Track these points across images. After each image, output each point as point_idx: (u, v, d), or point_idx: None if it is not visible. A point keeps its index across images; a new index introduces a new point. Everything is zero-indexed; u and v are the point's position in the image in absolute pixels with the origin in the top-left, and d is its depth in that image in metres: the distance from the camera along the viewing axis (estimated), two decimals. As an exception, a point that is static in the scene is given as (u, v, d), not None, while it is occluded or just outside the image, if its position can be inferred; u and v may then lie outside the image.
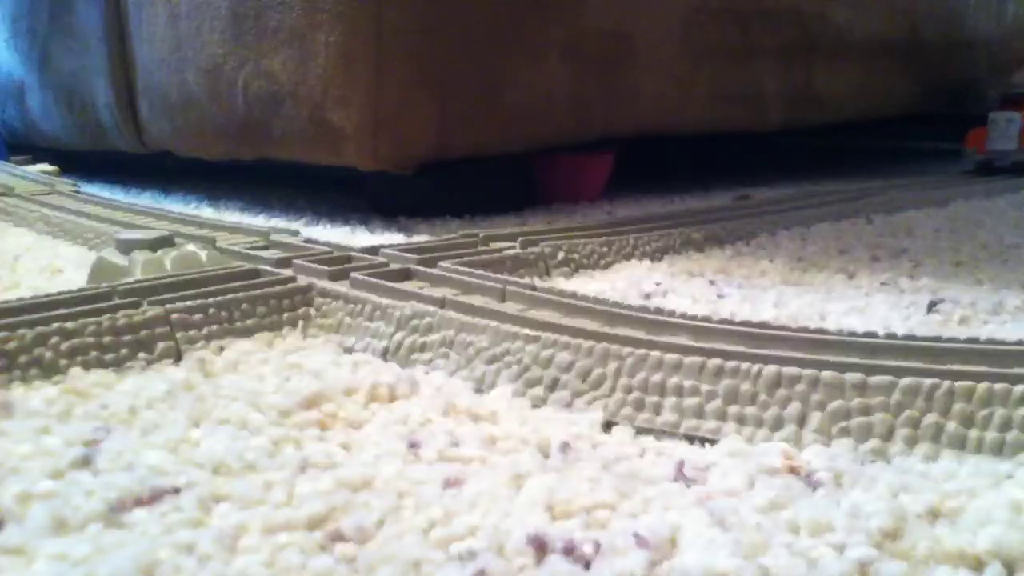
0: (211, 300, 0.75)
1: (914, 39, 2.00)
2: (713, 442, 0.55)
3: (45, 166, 1.81)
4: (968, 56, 2.11)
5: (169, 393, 0.62)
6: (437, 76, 1.32)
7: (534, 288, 0.75)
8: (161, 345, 0.71)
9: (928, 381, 0.52)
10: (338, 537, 0.43)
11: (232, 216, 1.48)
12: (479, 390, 0.65)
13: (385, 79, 1.27)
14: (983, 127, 1.83)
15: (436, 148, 1.35)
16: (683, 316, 0.65)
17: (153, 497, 0.47)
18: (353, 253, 0.94)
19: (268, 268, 0.87)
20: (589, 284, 0.93)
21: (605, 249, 1.04)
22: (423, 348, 0.70)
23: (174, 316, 0.72)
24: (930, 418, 0.51)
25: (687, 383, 0.57)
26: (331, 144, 1.32)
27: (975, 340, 0.56)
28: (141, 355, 0.70)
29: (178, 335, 0.72)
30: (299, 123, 1.34)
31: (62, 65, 1.91)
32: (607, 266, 1.02)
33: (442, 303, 0.73)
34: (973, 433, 0.50)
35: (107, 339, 0.69)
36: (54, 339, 0.67)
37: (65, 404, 0.60)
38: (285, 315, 0.78)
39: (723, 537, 0.41)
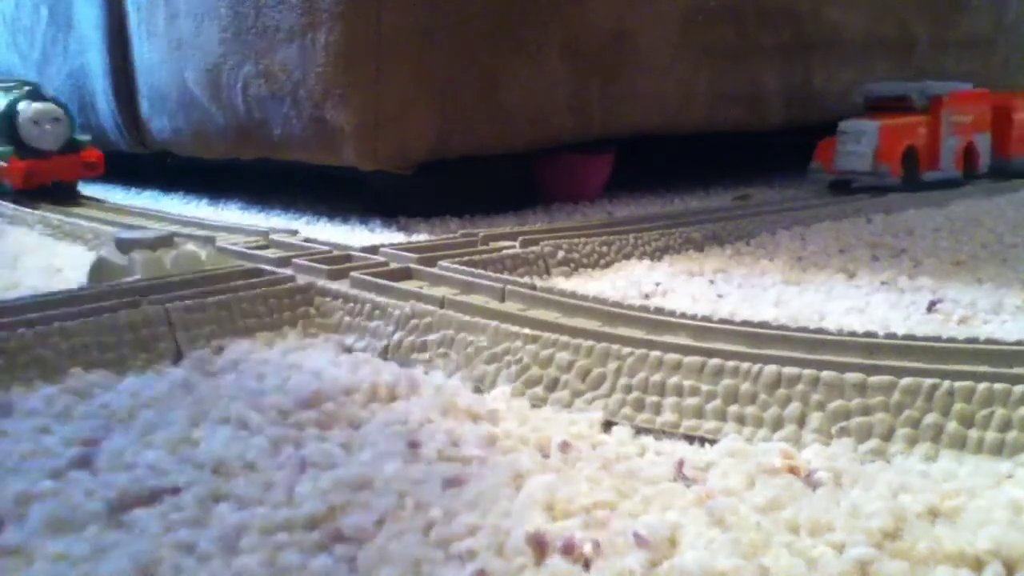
0: (211, 300, 0.75)
1: (910, 38, 2.00)
2: (713, 442, 0.55)
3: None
4: (968, 55, 2.11)
5: (169, 393, 0.62)
6: (437, 76, 1.32)
7: (534, 288, 0.75)
8: (161, 345, 0.71)
9: (928, 381, 0.52)
10: (338, 537, 0.43)
11: (232, 216, 1.48)
12: (479, 390, 0.65)
13: (385, 79, 1.27)
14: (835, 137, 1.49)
15: (436, 148, 1.35)
16: (683, 316, 0.65)
17: (153, 497, 0.47)
18: (353, 252, 0.94)
19: (268, 268, 0.87)
20: (589, 284, 0.93)
21: (605, 249, 1.04)
22: (423, 348, 0.70)
23: (174, 316, 0.72)
24: (930, 418, 0.51)
25: (687, 383, 0.57)
26: (331, 144, 1.32)
27: (975, 340, 0.56)
28: (141, 355, 0.69)
29: (178, 335, 0.72)
30: (299, 123, 1.34)
31: (62, 65, 1.91)
32: (607, 266, 1.02)
33: (442, 302, 0.73)
34: (973, 433, 0.50)
35: (107, 339, 0.69)
36: (54, 339, 0.67)
37: (65, 404, 0.60)
38: (285, 314, 0.78)
39: (723, 537, 0.41)
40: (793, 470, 0.49)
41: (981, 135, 1.62)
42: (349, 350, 0.74)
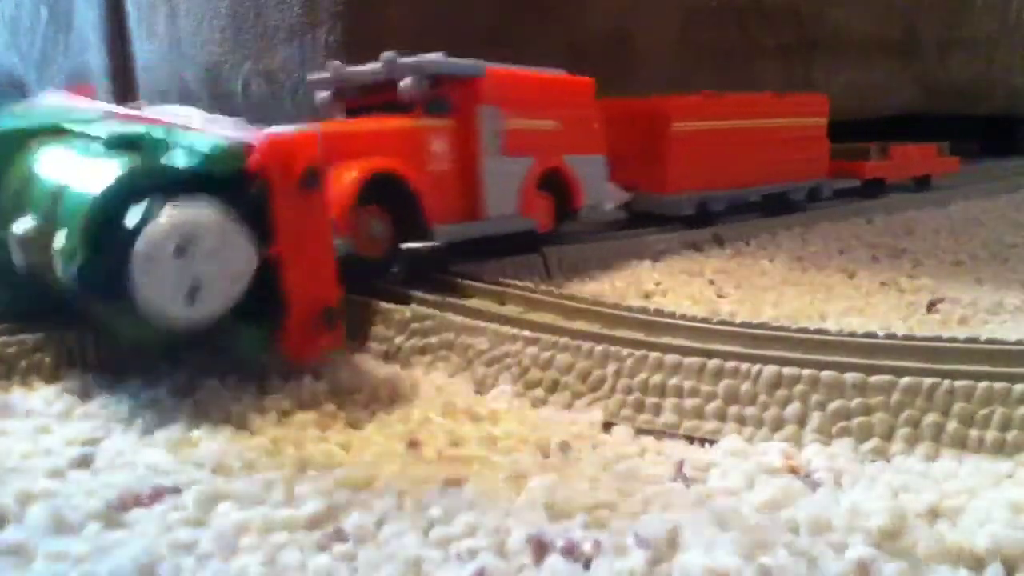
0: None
1: (913, 38, 2.00)
2: (713, 442, 0.55)
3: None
4: (973, 55, 2.10)
5: (169, 393, 0.62)
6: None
7: (534, 290, 0.75)
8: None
9: (928, 381, 0.52)
10: (338, 536, 0.43)
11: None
12: (479, 391, 0.64)
13: (385, 79, 1.27)
14: None
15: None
16: (683, 317, 0.65)
17: (153, 497, 0.47)
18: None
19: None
20: (589, 285, 0.93)
21: (605, 250, 1.04)
22: (423, 351, 0.70)
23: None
24: (930, 417, 0.51)
25: (687, 384, 0.57)
26: (331, 144, 1.32)
27: (975, 340, 0.56)
28: (141, 357, 0.69)
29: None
30: (298, 123, 1.33)
31: (62, 65, 1.91)
32: (607, 267, 1.02)
33: (442, 306, 0.73)
34: (973, 432, 0.50)
35: (108, 341, 0.68)
36: (55, 343, 0.66)
37: (65, 404, 0.60)
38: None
39: (723, 537, 0.41)
40: (793, 470, 0.49)
41: (587, 157, 0.99)
42: (350, 353, 0.74)
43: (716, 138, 1.19)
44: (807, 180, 1.35)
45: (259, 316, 0.60)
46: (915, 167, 1.62)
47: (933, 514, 0.44)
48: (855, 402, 0.53)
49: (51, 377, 0.64)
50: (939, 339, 0.57)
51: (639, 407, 0.58)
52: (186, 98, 1.53)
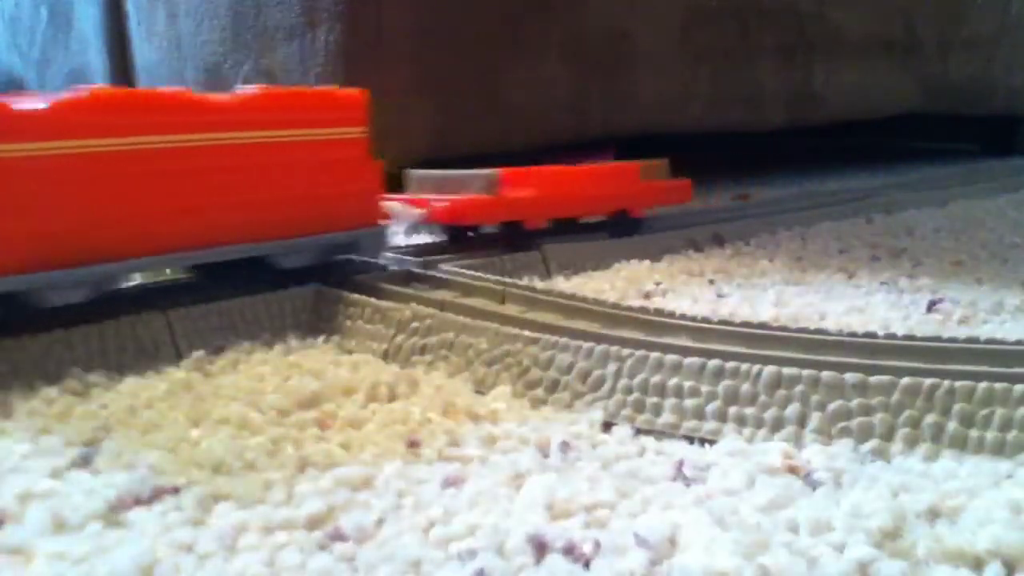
0: (212, 304, 0.75)
1: (913, 38, 2.00)
2: (713, 442, 0.55)
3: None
4: (972, 55, 2.10)
5: (169, 393, 0.62)
6: (436, 75, 1.32)
7: (534, 290, 0.75)
8: (161, 349, 0.70)
9: (928, 381, 0.52)
10: (338, 536, 0.43)
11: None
12: (479, 391, 0.64)
13: (384, 78, 1.27)
14: None
15: (435, 147, 1.35)
16: (683, 317, 0.65)
17: (153, 496, 0.47)
18: (352, 257, 0.94)
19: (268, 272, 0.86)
20: (589, 284, 0.93)
21: (605, 249, 1.04)
22: (423, 350, 0.70)
23: (174, 319, 0.72)
24: (930, 418, 0.51)
25: (687, 384, 0.57)
26: (331, 144, 1.32)
27: (975, 340, 0.56)
28: (141, 356, 0.69)
29: (178, 340, 0.71)
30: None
31: (62, 65, 1.91)
32: (607, 266, 1.02)
33: (441, 305, 0.73)
34: (973, 433, 0.50)
35: (108, 340, 0.68)
36: (56, 347, 0.66)
37: (65, 404, 0.60)
38: (286, 320, 0.78)
39: (723, 536, 0.41)
40: (793, 470, 0.49)
41: None
42: (349, 352, 0.74)
43: (88, 170, 0.64)
44: (325, 232, 0.79)
45: None
46: (589, 203, 1.04)
47: (933, 514, 0.44)
48: (855, 402, 0.53)
49: (51, 377, 0.64)
50: (939, 339, 0.57)
51: (639, 407, 0.58)
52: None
